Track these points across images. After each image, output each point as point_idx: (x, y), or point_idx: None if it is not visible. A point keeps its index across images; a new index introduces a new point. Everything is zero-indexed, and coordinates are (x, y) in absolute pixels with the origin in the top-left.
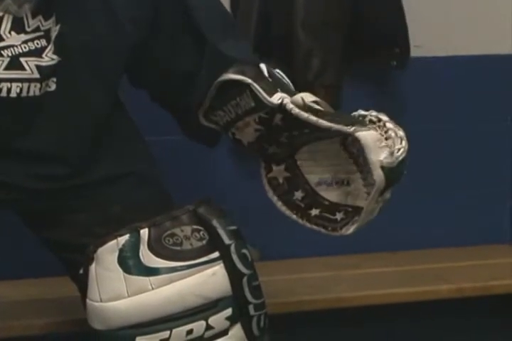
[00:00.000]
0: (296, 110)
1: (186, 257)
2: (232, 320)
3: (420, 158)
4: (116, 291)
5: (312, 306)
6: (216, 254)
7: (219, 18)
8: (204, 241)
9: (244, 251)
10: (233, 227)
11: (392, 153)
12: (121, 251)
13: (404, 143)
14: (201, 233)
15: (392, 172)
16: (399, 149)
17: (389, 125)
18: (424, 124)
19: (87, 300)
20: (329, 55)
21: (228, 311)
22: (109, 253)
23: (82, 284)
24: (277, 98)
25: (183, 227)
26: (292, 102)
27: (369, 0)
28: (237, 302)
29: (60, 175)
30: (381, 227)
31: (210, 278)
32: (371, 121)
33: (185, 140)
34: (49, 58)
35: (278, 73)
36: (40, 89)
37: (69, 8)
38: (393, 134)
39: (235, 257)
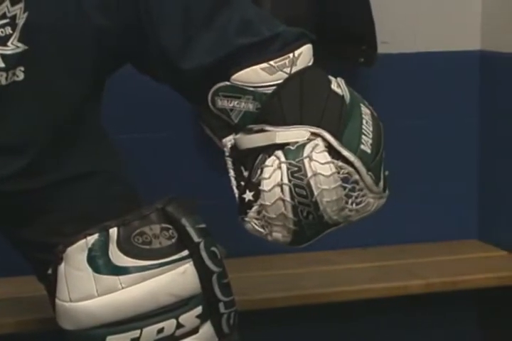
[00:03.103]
0: (228, 160)
1: (156, 256)
2: (202, 317)
3: (388, 155)
4: (85, 291)
5: (284, 303)
6: (185, 252)
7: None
8: (173, 240)
9: (213, 248)
10: (202, 225)
11: (277, 238)
12: (90, 250)
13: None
14: (170, 231)
15: (300, 236)
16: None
17: (269, 214)
18: (392, 121)
19: (57, 301)
20: None
21: (198, 309)
22: (78, 252)
23: (51, 284)
24: (227, 140)
25: (152, 226)
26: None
27: None
28: (207, 300)
29: (24, 170)
30: (351, 224)
31: (180, 277)
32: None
33: (156, 138)
34: (14, 46)
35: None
36: (6, 78)
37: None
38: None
39: (204, 255)
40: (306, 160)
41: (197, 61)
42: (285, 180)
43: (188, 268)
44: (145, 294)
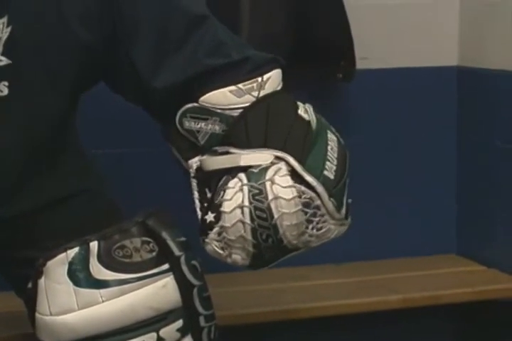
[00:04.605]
0: (193, 182)
1: (136, 269)
2: (183, 331)
3: (365, 169)
4: (66, 304)
5: (260, 318)
6: (166, 266)
7: (156, 28)
8: (154, 253)
9: (194, 262)
10: (182, 239)
11: (236, 261)
12: (70, 263)
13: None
14: (151, 245)
15: (259, 259)
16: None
17: (229, 235)
18: (371, 136)
19: (37, 314)
20: None
21: (179, 322)
22: (58, 266)
23: (30, 299)
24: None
25: (132, 239)
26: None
27: (314, 12)
28: (187, 313)
29: (9, 191)
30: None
31: (160, 290)
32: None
33: (138, 152)
34: None
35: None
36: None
37: (22, 9)
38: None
39: (184, 268)
40: (267, 183)
41: (166, 80)
42: (246, 203)
43: (168, 281)
44: (125, 307)
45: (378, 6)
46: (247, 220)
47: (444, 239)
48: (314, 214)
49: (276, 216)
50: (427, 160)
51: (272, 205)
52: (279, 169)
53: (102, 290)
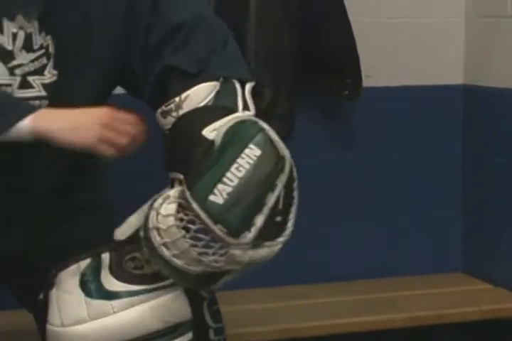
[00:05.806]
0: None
1: (147, 281)
2: None
3: (369, 187)
4: (77, 315)
5: (262, 337)
6: None
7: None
8: None
9: None
10: None
11: None
12: (82, 274)
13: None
14: None
15: (189, 282)
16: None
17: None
18: (376, 153)
19: (48, 325)
20: (281, 85)
21: (189, 335)
22: (70, 277)
23: (41, 310)
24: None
25: (144, 251)
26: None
27: (320, 30)
28: (197, 326)
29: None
30: (333, 257)
31: (171, 303)
32: None
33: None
34: (50, 74)
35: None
36: (48, 105)
37: (61, 24)
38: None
39: None
40: (152, 213)
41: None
42: (141, 233)
43: (179, 294)
44: (136, 319)
45: (383, 24)
46: (144, 250)
47: (449, 257)
48: (214, 240)
49: (156, 245)
50: (432, 178)
51: (151, 235)
52: (168, 197)
53: (113, 302)
